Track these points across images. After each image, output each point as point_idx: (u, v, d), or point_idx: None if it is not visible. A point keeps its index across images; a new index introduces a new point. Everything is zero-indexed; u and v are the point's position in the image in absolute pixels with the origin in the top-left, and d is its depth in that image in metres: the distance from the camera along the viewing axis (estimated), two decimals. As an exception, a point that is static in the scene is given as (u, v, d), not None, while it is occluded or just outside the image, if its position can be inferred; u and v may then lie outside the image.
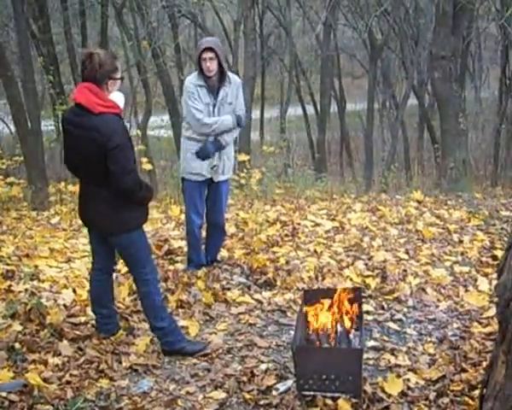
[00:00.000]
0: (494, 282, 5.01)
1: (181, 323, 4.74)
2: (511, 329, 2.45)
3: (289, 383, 3.91)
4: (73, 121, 3.93)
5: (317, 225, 7.45)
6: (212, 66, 5.27)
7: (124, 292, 5.15)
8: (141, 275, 4.22)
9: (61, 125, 4.19)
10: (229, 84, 5.43)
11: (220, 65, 5.33)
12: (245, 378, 3.98)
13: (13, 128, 11.37)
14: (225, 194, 5.77)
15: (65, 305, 4.89)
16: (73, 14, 15.96)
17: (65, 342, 4.28)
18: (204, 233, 5.93)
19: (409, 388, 3.88)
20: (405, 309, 5.18)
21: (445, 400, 3.73)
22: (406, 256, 6.42)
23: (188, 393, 3.86)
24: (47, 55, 13.80)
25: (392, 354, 4.36)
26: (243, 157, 9.94)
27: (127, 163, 3.92)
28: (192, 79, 5.45)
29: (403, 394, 3.80)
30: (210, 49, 5.25)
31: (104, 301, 4.45)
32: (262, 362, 4.23)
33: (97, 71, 3.84)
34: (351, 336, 4.01)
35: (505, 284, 2.48)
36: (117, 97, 3.98)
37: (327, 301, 4.18)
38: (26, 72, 10.00)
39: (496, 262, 5.82)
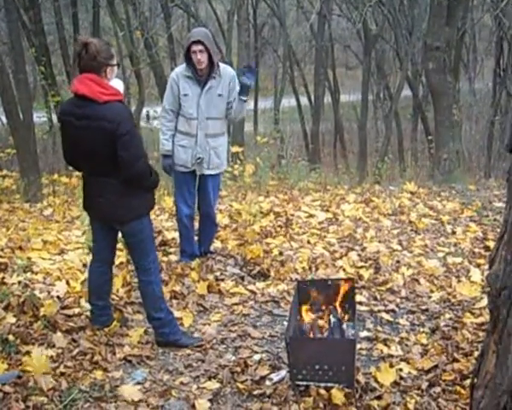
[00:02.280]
0: (486, 272, 5.04)
1: (175, 314, 4.75)
2: (502, 318, 2.46)
3: (283, 373, 3.93)
4: (75, 113, 3.87)
5: (311, 216, 7.46)
6: (202, 58, 5.23)
7: (117, 283, 5.14)
8: (145, 264, 4.22)
9: (57, 119, 4.14)
10: (218, 76, 5.39)
11: (210, 57, 5.30)
12: (238, 369, 4.01)
13: (5, 120, 11.30)
14: (213, 188, 5.70)
15: (58, 297, 4.89)
16: (65, 5, 15.88)
17: (59, 333, 4.28)
18: (197, 224, 5.94)
19: (401, 377, 3.91)
20: (398, 300, 5.20)
21: (437, 389, 3.77)
22: (399, 247, 6.45)
23: (182, 383, 3.88)
24: (38, 45, 13.72)
25: (385, 345, 4.39)
26: (237, 148, 9.94)
27: (138, 149, 3.92)
28: (180, 70, 5.46)
29: (395, 383, 3.83)
30: (198, 41, 5.20)
31: (102, 293, 4.44)
32: (256, 353, 4.25)
33: (95, 60, 3.81)
34: (344, 326, 4.03)
35: (497, 273, 2.49)
36: (116, 84, 3.97)
37: (320, 292, 4.19)
38: (17, 63, 9.94)
39: (488, 253, 5.84)
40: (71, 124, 3.92)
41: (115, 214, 4.09)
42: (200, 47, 5.19)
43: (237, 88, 5.47)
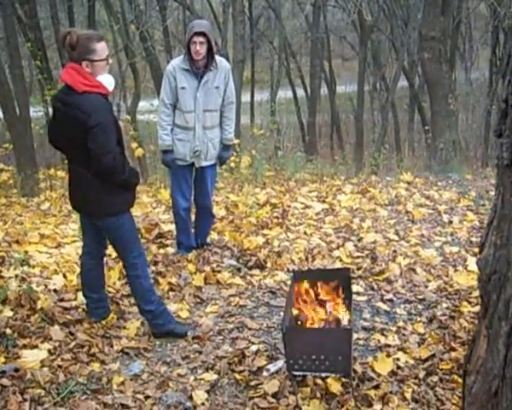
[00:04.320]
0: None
1: (172, 306, 4.77)
2: (493, 303, 2.46)
3: (280, 363, 3.94)
4: (61, 99, 3.94)
5: (307, 207, 7.47)
6: (201, 50, 5.24)
7: (114, 276, 5.16)
8: (129, 259, 4.23)
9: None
10: (215, 68, 5.40)
11: (210, 49, 5.30)
12: (236, 360, 4.01)
13: (1, 115, 11.27)
14: (211, 178, 5.76)
15: (55, 290, 4.91)
16: (60, -2, 15.79)
17: (56, 326, 4.29)
18: (193, 217, 5.94)
19: (398, 367, 3.92)
20: (395, 289, 5.20)
21: (435, 378, 3.78)
22: (396, 237, 6.46)
23: (179, 375, 3.89)
24: (34, 40, 13.65)
25: (382, 334, 4.40)
26: (233, 142, 9.92)
27: (106, 143, 3.87)
28: (176, 62, 5.43)
29: (392, 373, 3.84)
30: (201, 33, 5.20)
31: (94, 286, 4.45)
32: (253, 343, 4.26)
33: (70, 52, 3.84)
34: (340, 316, 4.03)
35: (487, 258, 2.49)
36: (105, 80, 3.96)
37: (317, 282, 4.19)
38: (13, 57, 9.92)
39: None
40: (58, 109, 3.98)
41: (89, 208, 4.11)
42: (201, 39, 5.19)
43: (230, 88, 5.56)
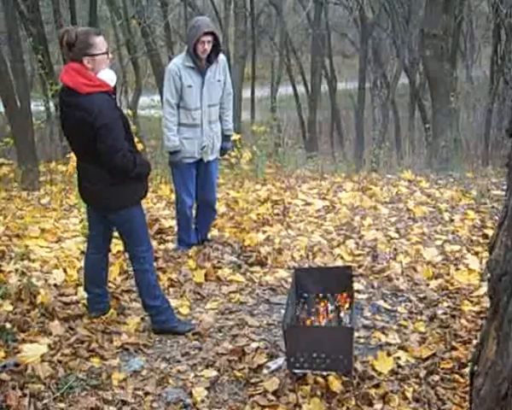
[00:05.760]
0: (485, 260, 5.03)
1: (172, 302, 4.74)
2: (503, 305, 2.44)
3: (280, 361, 3.93)
4: (64, 100, 3.94)
5: (308, 204, 7.45)
6: (208, 49, 5.27)
7: (114, 272, 5.15)
8: (137, 253, 4.22)
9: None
10: (216, 62, 5.42)
11: (216, 46, 5.32)
12: (236, 357, 4.00)
13: (2, 108, 11.26)
14: (215, 172, 5.78)
15: (55, 285, 4.90)
16: (62, -7, 15.77)
17: (56, 321, 4.28)
18: (194, 213, 5.93)
19: (399, 366, 3.91)
20: (396, 288, 5.18)
21: (436, 377, 3.76)
22: (397, 235, 6.43)
23: (179, 372, 3.88)
24: (36, 34, 13.64)
25: (383, 333, 4.38)
26: (233, 136, 9.89)
27: (115, 142, 3.87)
28: (179, 61, 5.38)
29: (393, 372, 3.83)
30: (211, 33, 5.22)
31: (98, 281, 4.44)
32: (253, 341, 4.25)
33: (70, 50, 3.82)
34: (341, 314, 4.02)
35: (497, 259, 2.47)
36: (107, 75, 3.94)
37: (318, 280, 4.19)
38: (15, 51, 9.91)
39: (486, 241, 5.84)
40: (62, 110, 3.99)
41: (101, 202, 4.12)
42: (209, 38, 5.22)
43: (229, 79, 5.61)
